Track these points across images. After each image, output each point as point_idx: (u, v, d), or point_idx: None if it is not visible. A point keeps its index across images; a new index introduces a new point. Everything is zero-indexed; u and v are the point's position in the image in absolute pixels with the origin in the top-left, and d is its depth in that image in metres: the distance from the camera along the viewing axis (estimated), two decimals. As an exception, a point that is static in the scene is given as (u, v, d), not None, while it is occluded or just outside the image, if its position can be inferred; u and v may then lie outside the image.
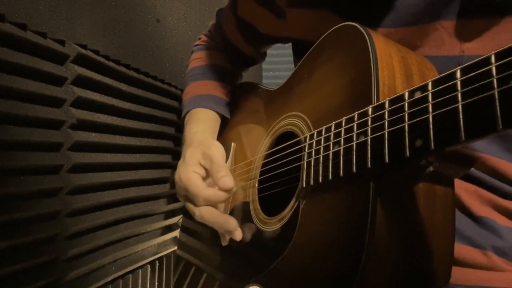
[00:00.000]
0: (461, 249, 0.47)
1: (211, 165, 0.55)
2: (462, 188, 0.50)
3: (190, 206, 0.56)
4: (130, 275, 0.86)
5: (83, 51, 0.69)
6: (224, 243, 0.58)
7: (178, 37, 1.07)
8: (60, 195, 0.64)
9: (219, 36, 0.81)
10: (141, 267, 0.90)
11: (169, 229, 1.00)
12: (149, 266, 0.94)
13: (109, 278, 0.78)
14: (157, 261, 0.97)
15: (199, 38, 0.88)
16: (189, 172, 0.55)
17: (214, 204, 0.55)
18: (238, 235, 0.53)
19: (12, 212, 0.55)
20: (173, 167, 0.98)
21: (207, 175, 0.56)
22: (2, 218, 0.53)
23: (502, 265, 0.46)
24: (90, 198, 0.70)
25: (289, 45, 0.73)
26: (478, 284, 0.45)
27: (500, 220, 0.49)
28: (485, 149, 0.50)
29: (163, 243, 0.98)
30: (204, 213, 0.54)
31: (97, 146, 0.73)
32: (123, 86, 0.80)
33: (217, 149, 0.57)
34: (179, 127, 1.01)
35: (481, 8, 0.49)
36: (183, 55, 1.07)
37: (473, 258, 0.47)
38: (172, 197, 0.99)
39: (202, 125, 0.69)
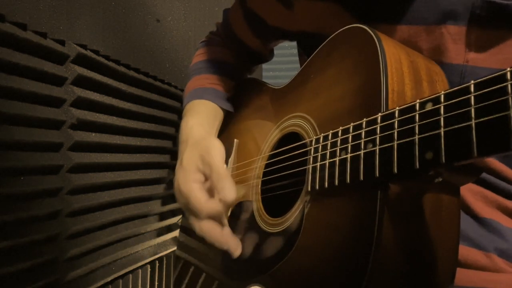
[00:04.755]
0: (464, 251, 0.47)
1: (210, 173, 0.53)
2: (467, 189, 0.50)
3: (191, 218, 0.55)
4: (130, 275, 0.86)
5: (83, 51, 0.69)
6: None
7: (178, 37, 1.06)
8: (60, 195, 0.64)
9: (226, 32, 0.81)
10: (141, 267, 0.90)
11: (169, 229, 1.00)
12: (149, 266, 0.94)
13: (109, 278, 0.78)
14: (157, 261, 0.97)
15: (206, 36, 0.88)
16: (188, 183, 0.54)
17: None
18: (237, 254, 0.53)
19: (12, 212, 0.55)
20: (172, 167, 0.97)
21: (207, 178, 0.55)
22: (2, 218, 0.53)
23: (505, 267, 0.46)
24: (90, 198, 0.70)
25: (290, 45, 0.73)
26: (480, 286, 0.45)
27: (504, 221, 0.48)
28: None
29: (163, 243, 0.98)
30: (205, 230, 0.53)
31: (97, 146, 0.73)
32: (123, 86, 0.80)
33: (216, 152, 0.54)
34: (179, 127, 1.01)
35: (492, 18, 0.47)
36: (183, 55, 1.07)
37: (476, 260, 0.46)
38: (172, 197, 0.99)
39: (197, 117, 0.66)
